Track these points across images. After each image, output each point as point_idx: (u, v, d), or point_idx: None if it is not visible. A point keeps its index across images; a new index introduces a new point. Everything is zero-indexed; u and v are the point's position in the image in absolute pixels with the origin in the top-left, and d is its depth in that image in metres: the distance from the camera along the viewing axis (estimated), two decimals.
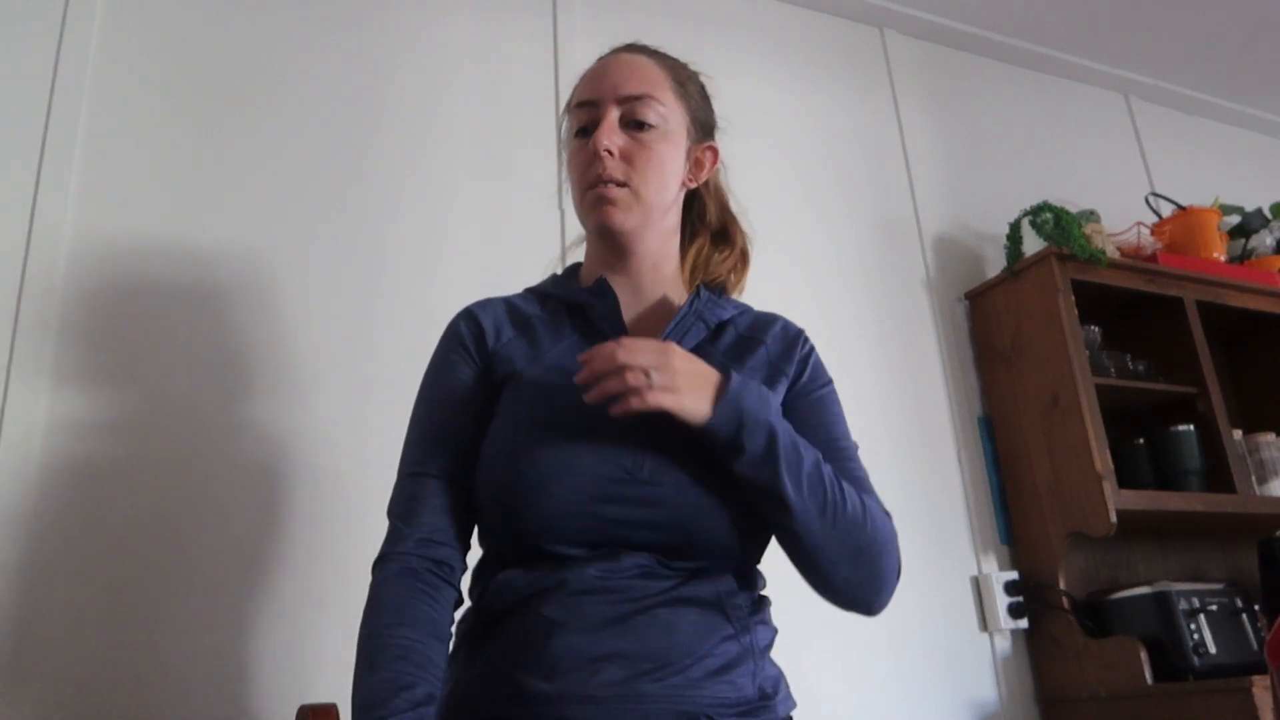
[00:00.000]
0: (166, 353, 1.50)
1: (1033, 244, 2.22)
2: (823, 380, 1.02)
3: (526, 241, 1.83)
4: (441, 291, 1.71)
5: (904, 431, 2.11)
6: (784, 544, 0.90)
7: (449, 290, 1.71)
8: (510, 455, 0.89)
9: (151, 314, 1.51)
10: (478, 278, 1.75)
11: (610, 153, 0.95)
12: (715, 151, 1.07)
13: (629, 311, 1.00)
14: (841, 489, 0.88)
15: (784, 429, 0.87)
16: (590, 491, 0.86)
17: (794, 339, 1.03)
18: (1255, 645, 1.95)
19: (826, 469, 0.89)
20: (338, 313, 1.64)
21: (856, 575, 0.89)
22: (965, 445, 2.18)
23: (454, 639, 0.93)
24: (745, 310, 1.05)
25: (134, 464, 1.43)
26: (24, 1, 1.58)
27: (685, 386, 0.84)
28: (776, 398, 0.96)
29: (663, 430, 0.87)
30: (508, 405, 0.94)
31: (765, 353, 1.00)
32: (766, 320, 1.04)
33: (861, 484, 0.95)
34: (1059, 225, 2.14)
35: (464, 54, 1.93)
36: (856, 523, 0.88)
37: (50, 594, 1.33)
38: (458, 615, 0.94)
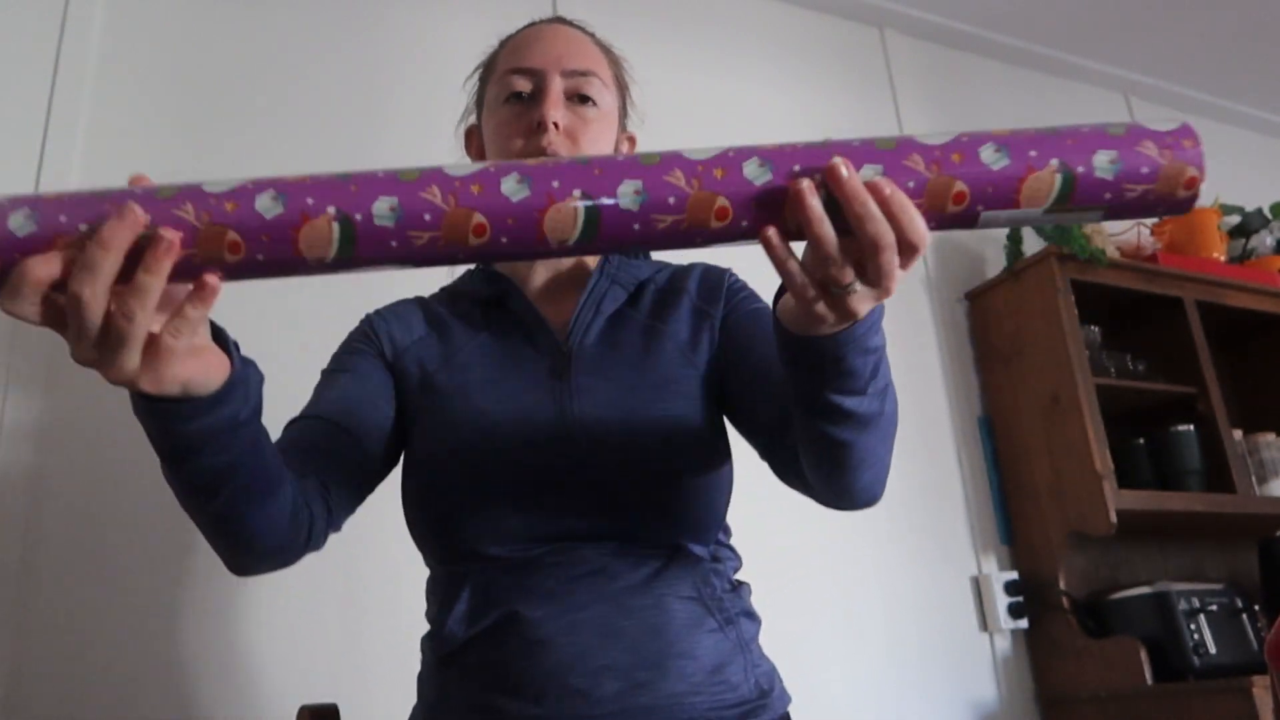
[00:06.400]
0: None
1: (1033, 244, 2.22)
2: (757, 299, 0.94)
3: None
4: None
5: (904, 431, 2.09)
6: (818, 454, 0.73)
7: None
8: (437, 463, 0.84)
9: None
10: None
11: (556, 126, 0.87)
12: (633, 141, 1.01)
13: (546, 291, 0.94)
14: (891, 390, 0.72)
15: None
16: (525, 485, 0.81)
17: (718, 278, 0.96)
18: (1255, 645, 1.95)
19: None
20: (340, 314, 1.64)
21: (877, 474, 0.76)
22: (965, 445, 2.18)
23: (422, 660, 0.88)
24: (664, 266, 0.98)
25: (133, 464, 1.43)
26: (24, 4, 1.58)
27: None
28: (707, 343, 0.91)
29: (593, 412, 0.83)
30: (424, 412, 0.88)
31: (689, 301, 0.93)
32: (686, 269, 0.98)
33: None
34: (1059, 225, 2.14)
35: (465, 57, 1.93)
36: (893, 421, 0.73)
37: (50, 594, 1.33)
38: (420, 634, 0.89)
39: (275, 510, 0.73)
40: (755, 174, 0.53)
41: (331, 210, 0.52)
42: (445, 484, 0.83)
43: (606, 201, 0.53)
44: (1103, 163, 0.54)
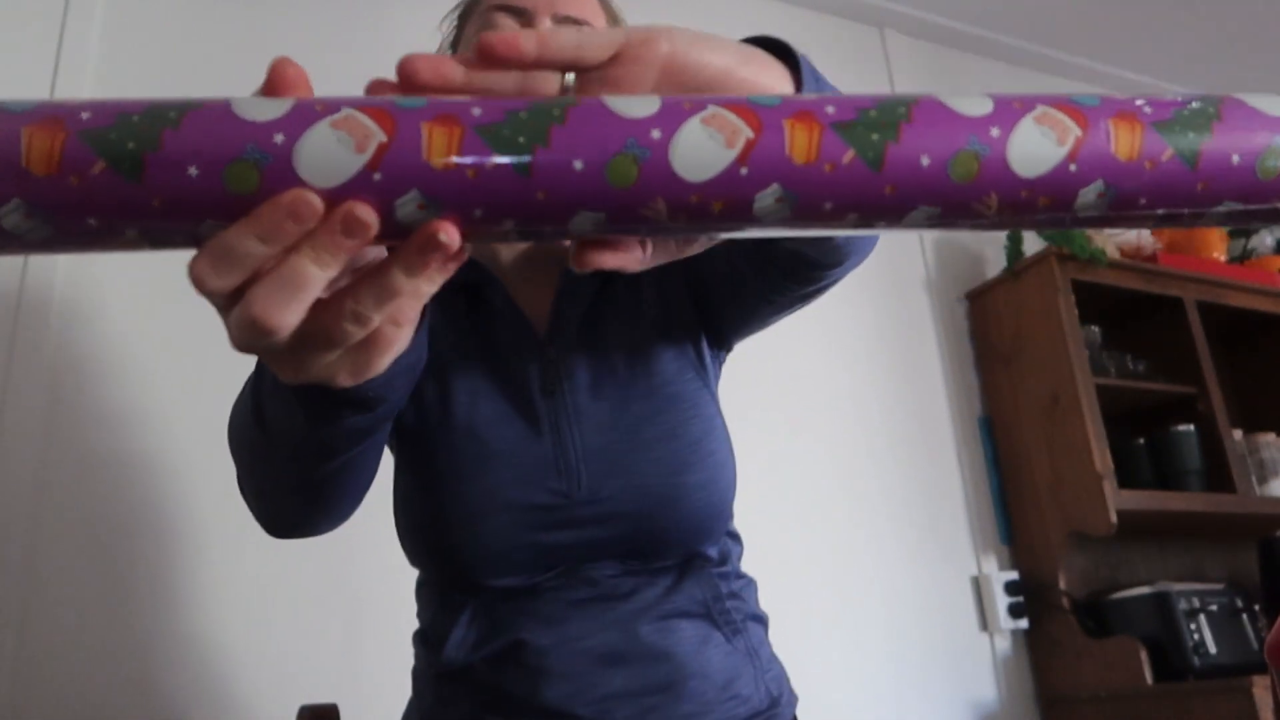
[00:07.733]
0: (169, 349, 1.50)
1: (1033, 244, 2.22)
2: None
3: None
4: None
5: (904, 432, 2.11)
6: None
7: None
8: (428, 492, 0.78)
9: (152, 311, 1.51)
10: None
11: None
12: None
13: (518, 273, 0.87)
14: None
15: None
16: (525, 524, 0.76)
17: None
18: (1255, 645, 1.95)
19: None
20: None
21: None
22: (965, 445, 2.18)
23: (416, 658, 0.85)
24: None
25: (133, 463, 1.43)
26: (25, 4, 1.58)
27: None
28: (677, 301, 0.86)
29: (594, 440, 0.78)
30: (412, 423, 0.81)
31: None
32: None
33: None
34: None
35: None
36: None
37: (50, 594, 1.33)
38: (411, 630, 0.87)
39: (375, 468, 0.70)
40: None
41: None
42: (438, 517, 0.78)
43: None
44: (1217, 213, 0.44)
